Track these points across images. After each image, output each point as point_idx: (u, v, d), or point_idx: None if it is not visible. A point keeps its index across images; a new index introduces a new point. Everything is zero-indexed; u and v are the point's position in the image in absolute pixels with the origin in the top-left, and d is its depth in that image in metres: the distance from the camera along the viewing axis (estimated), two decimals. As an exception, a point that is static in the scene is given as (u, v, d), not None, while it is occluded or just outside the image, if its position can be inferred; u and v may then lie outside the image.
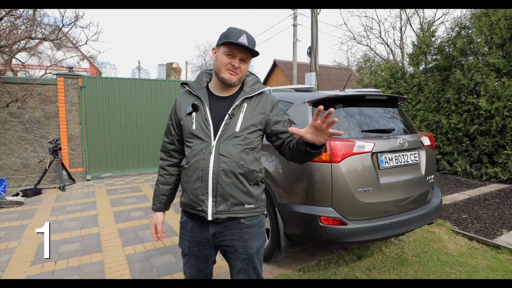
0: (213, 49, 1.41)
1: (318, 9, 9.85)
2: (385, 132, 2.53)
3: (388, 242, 3.23)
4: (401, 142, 2.46)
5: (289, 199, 2.38)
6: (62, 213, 4.22)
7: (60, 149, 5.66)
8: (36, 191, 5.20)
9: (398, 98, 2.79)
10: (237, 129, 1.34)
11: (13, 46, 6.14)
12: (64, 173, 5.75)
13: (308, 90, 2.76)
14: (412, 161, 2.54)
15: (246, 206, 1.35)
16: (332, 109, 1.08)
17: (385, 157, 2.37)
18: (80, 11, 6.80)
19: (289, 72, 19.99)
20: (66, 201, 4.84)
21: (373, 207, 2.28)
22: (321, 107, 1.09)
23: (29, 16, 6.84)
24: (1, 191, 4.88)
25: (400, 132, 2.67)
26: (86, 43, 6.71)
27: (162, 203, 1.57)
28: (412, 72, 7.66)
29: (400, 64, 9.31)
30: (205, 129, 1.35)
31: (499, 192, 5.13)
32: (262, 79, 25.21)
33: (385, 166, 2.35)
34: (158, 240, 1.59)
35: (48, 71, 10.89)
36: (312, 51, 10.13)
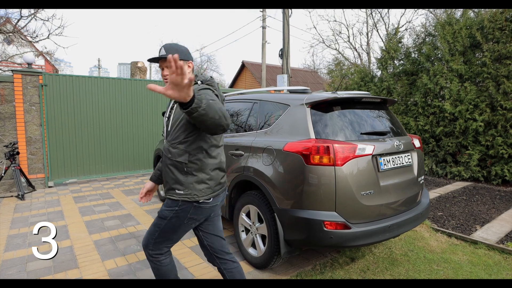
0: None
1: (290, 11, 9.95)
2: (381, 134, 2.56)
3: (376, 242, 3.29)
4: (397, 144, 2.50)
5: (290, 204, 2.31)
6: (24, 225, 3.78)
7: (17, 153, 5.09)
8: (-11, 201, 4.62)
9: (388, 100, 2.85)
10: (169, 128, 1.67)
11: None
12: (23, 179, 5.19)
13: (304, 91, 2.71)
14: (407, 162, 2.59)
15: (177, 191, 1.65)
16: (171, 56, 1.01)
17: (384, 159, 2.39)
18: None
19: (258, 73, 20.01)
20: (28, 211, 4.36)
21: (374, 210, 2.28)
22: (170, 56, 1.02)
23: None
24: None
25: (392, 134, 2.72)
26: (48, 37, 6.11)
27: (156, 175, 2.01)
28: (381, 75, 8.01)
29: (367, 68, 9.71)
30: (164, 130, 1.75)
31: (464, 189, 5.50)
32: (230, 80, 24.97)
33: (384, 168, 2.37)
34: (140, 201, 2.00)
35: (-2, 67, 9.84)
36: (284, 53, 10.21)
